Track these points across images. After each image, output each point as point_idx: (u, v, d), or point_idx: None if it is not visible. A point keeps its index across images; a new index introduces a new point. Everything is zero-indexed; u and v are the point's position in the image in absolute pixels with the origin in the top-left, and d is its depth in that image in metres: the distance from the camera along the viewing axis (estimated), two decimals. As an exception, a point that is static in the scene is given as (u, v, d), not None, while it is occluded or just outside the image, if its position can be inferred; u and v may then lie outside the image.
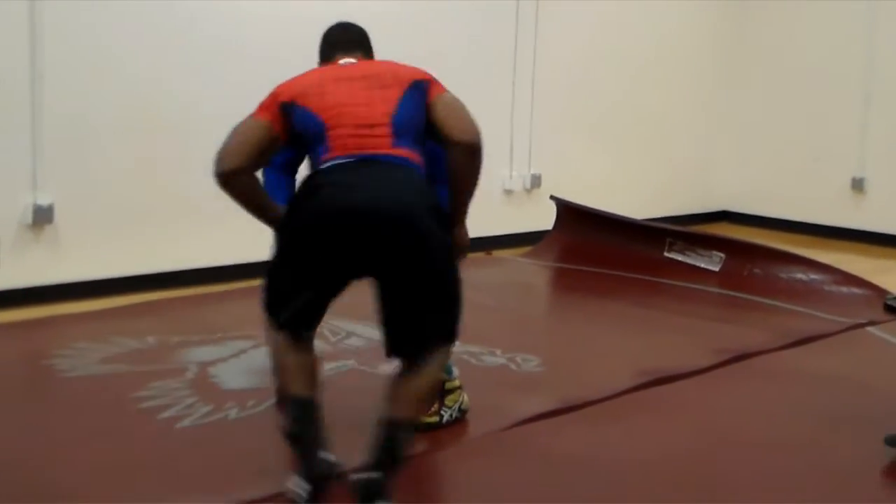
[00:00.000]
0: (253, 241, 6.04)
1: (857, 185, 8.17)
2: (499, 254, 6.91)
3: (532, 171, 7.45)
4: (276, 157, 3.33)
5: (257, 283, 5.91)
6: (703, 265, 6.37)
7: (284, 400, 3.19)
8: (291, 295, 3.07)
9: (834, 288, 6.19)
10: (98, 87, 5.53)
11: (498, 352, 4.70)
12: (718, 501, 3.35)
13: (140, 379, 4.20)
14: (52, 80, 5.35)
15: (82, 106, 5.49)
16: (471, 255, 6.51)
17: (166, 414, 3.83)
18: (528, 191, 7.44)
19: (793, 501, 3.33)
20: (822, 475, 3.54)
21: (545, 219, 7.03)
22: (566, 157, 7.63)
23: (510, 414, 3.93)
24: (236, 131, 3.12)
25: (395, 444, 3.02)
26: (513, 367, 4.57)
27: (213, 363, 4.45)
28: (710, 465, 3.68)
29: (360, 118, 3.07)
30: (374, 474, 2.96)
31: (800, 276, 6.31)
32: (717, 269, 6.34)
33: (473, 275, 6.35)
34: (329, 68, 3.37)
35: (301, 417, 3.06)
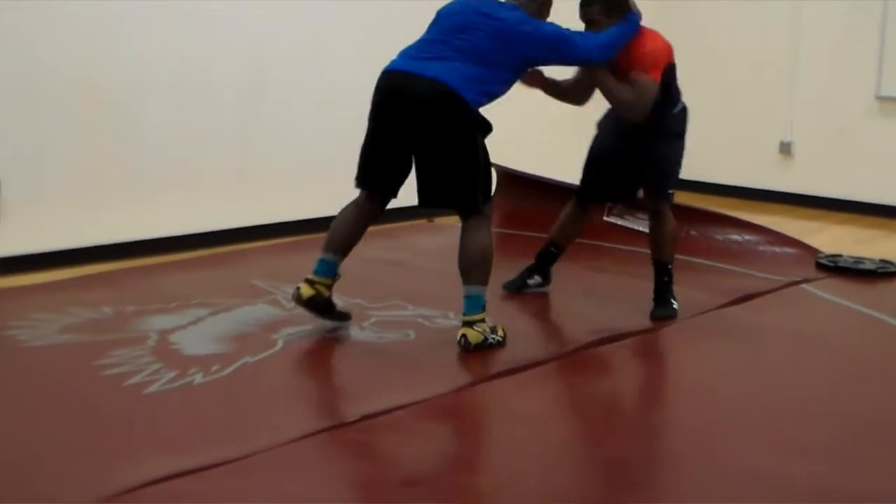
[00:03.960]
0: (202, 211, 6.13)
1: (785, 148, 8.39)
2: (440, 221, 6.97)
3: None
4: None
5: (209, 252, 5.99)
6: (641, 228, 6.48)
7: None
8: None
9: (768, 248, 6.37)
10: (43, 58, 5.48)
11: (451, 314, 4.76)
12: (687, 441, 3.49)
13: (101, 347, 4.20)
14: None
15: (27, 77, 5.44)
16: (413, 222, 6.64)
17: (133, 380, 3.85)
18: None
19: (760, 441, 3.45)
20: (784, 415, 3.70)
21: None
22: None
23: (474, 371, 4.05)
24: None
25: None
26: (468, 328, 4.64)
27: (172, 331, 4.46)
28: (680, 411, 3.86)
29: None
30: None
31: (735, 237, 6.48)
32: (655, 232, 6.46)
33: (417, 241, 6.49)
34: None
35: None
